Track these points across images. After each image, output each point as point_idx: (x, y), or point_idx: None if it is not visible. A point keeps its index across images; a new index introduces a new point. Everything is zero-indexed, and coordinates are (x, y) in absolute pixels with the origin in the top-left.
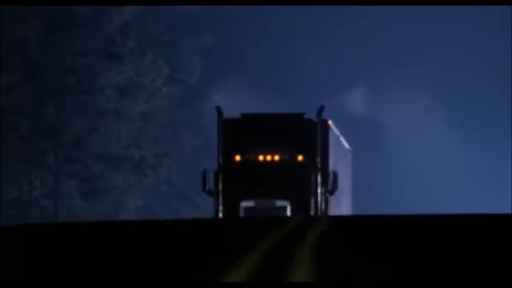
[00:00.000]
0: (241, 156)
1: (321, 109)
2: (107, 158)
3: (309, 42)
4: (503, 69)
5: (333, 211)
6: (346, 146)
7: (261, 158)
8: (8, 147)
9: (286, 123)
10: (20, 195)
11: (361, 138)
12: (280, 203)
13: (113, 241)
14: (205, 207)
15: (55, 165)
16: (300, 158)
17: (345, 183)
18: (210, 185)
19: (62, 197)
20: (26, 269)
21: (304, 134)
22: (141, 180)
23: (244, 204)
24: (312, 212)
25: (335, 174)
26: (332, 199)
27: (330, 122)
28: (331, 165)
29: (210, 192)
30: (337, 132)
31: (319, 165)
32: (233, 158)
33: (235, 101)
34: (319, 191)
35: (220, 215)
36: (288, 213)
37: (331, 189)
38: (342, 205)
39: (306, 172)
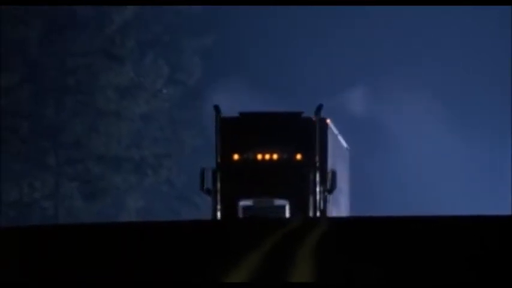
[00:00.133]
0: (240, 155)
1: (319, 108)
2: (107, 159)
3: (309, 42)
4: (503, 69)
5: (332, 210)
6: (344, 144)
7: (259, 157)
8: (8, 148)
9: (285, 122)
10: (21, 197)
11: (361, 138)
12: (278, 202)
13: (113, 242)
14: (206, 208)
15: (55, 166)
16: (298, 156)
17: (343, 182)
18: (208, 184)
19: (62, 198)
20: (27, 270)
21: (302, 133)
22: (142, 181)
23: (243, 203)
24: (311, 211)
25: (334, 173)
26: (331, 198)
27: (328, 120)
28: (330, 164)
29: (208, 192)
30: (336, 131)
31: (317, 164)
32: (231, 157)
33: (236, 101)
34: (317, 190)
35: (219, 214)
36: (287, 212)
37: (329, 188)
38: (340, 204)
39: (304, 171)
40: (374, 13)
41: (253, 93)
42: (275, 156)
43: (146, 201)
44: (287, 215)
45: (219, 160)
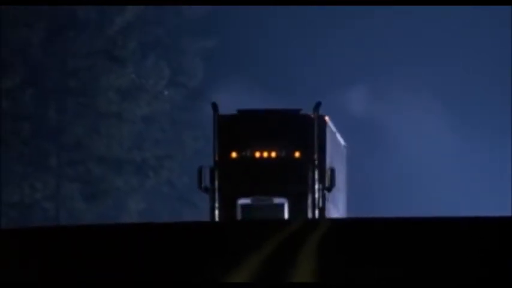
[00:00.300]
0: (238, 153)
1: (318, 105)
2: (108, 161)
3: (310, 43)
4: (504, 69)
5: (330, 208)
6: (342, 142)
7: (257, 154)
8: (10, 150)
9: (283, 120)
10: (22, 198)
11: (361, 138)
12: (277, 200)
13: (114, 243)
14: (207, 209)
15: (57, 167)
16: (297, 154)
17: (340, 180)
18: (206, 182)
19: (64, 200)
20: (28, 271)
21: (301, 130)
22: (143, 183)
23: (241, 201)
24: (310, 209)
25: (332, 171)
26: (329, 196)
27: (326, 118)
28: (328, 161)
29: (206, 190)
30: (334, 129)
31: (316, 162)
32: (229, 154)
33: (237, 103)
34: (316, 187)
35: (217, 212)
36: (286, 210)
37: (328, 185)
38: (338, 202)
39: (303, 169)
40: (374, 13)
41: (254, 94)
42: (273, 154)
43: (147, 202)
44: (286, 213)
45: (216, 158)
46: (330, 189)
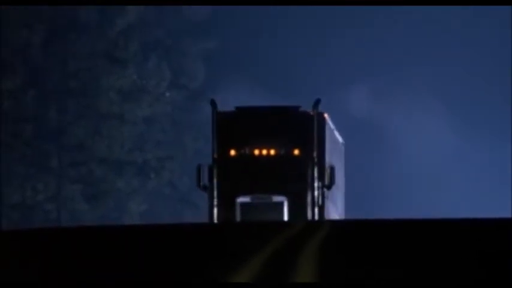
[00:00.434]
0: (236, 150)
1: (317, 102)
2: (110, 162)
3: (311, 44)
4: (504, 69)
5: (329, 206)
6: (340, 139)
7: (256, 152)
8: (12, 151)
9: (282, 117)
10: (24, 199)
11: (361, 138)
12: (276, 198)
13: (116, 245)
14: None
15: (58, 169)
16: (296, 152)
17: (339, 178)
18: (204, 180)
19: (65, 201)
20: (30, 273)
21: (300, 128)
22: (144, 184)
23: (240, 200)
24: (309, 207)
25: (332, 169)
26: (328, 194)
27: (325, 115)
28: (327, 159)
29: (204, 188)
30: (332, 126)
31: (315, 160)
32: (228, 152)
33: (238, 103)
34: (315, 185)
35: (215, 210)
36: (285, 208)
37: (328, 183)
38: (336, 200)
39: (302, 166)
40: (375, 14)
41: (255, 95)
42: (272, 152)
43: (149, 204)
44: (285, 211)
45: (215, 156)
46: (329, 187)
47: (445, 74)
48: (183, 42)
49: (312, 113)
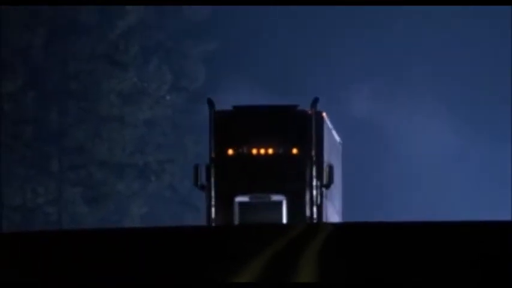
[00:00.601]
0: (234, 150)
1: (316, 101)
2: (110, 165)
3: (312, 45)
4: (504, 68)
5: (327, 205)
6: (338, 138)
7: (254, 151)
8: (12, 154)
9: (280, 116)
10: (24, 202)
11: (362, 139)
12: (275, 197)
13: (116, 248)
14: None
15: (59, 171)
16: (294, 151)
17: (337, 177)
18: (202, 180)
19: (66, 204)
20: (30, 275)
21: (298, 126)
22: (145, 187)
23: (239, 199)
24: (308, 207)
25: (331, 168)
26: (327, 193)
27: (324, 114)
28: (326, 158)
29: (202, 187)
30: (330, 125)
31: (314, 158)
32: (225, 151)
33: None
34: (314, 184)
35: (213, 210)
36: (284, 208)
37: (326, 182)
38: (334, 199)
39: (301, 166)
40: (375, 14)
41: (256, 96)
42: (271, 151)
43: (149, 206)
44: (284, 210)
45: (213, 155)
46: (328, 186)
47: (445, 74)
48: (184, 44)
49: (310, 112)
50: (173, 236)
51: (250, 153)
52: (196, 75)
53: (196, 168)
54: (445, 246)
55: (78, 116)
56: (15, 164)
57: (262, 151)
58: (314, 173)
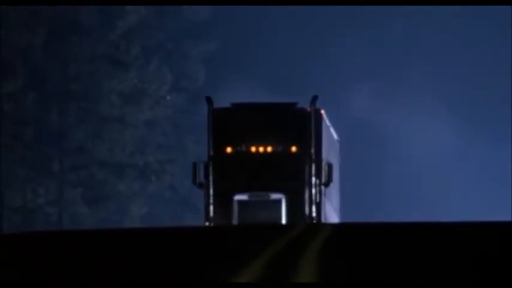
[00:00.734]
0: (233, 147)
1: (315, 98)
2: (111, 165)
3: (313, 46)
4: (504, 68)
5: (325, 203)
6: (335, 136)
7: (253, 149)
8: (12, 154)
9: (279, 113)
10: (25, 203)
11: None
12: (274, 196)
13: (117, 248)
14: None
15: (59, 172)
16: (293, 149)
17: (335, 174)
18: (200, 178)
19: (66, 204)
20: (31, 276)
21: (297, 124)
22: (145, 187)
23: (238, 197)
24: (307, 205)
25: (330, 166)
26: (326, 191)
27: (322, 111)
28: (324, 156)
29: (200, 185)
30: (328, 123)
31: (313, 156)
32: (224, 149)
33: None
34: (313, 182)
35: (211, 208)
36: (283, 206)
37: (326, 181)
38: (332, 197)
39: (300, 164)
40: (375, 14)
41: (257, 96)
42: (269, 149)
43: (150, 207)
44: (283, 209)
45: (211, 153)
46: (327, 184)
47: (445, 74)
48: (184, 44)
49: (309, 110)
50: (173, 236)
51: (249, 151)
52: (197, 76)
53: (194, 166)
54: (445, 246)
55: (79, 116)
56: (15, 164)
57: (261, 149)
58: (313, 171)
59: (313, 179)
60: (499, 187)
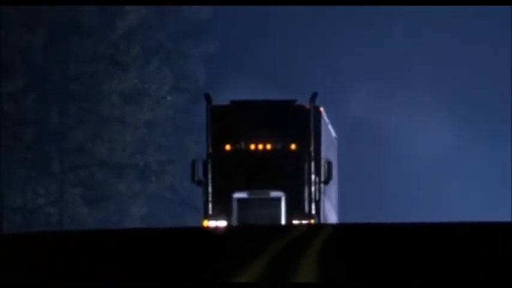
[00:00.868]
0: (232, 145)
1: (314, 95)
2: (111, 165)
3: (314, 46)
4: (504, 68)
5: (324, 201)
6: (333, 134)
7: (252, 146)
8: (13, 155)
9: (278, 110)
10: (25, 203)
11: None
12: (274, 193)
13: (117, 248)
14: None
15: (59, 172)
16: (293, 146)
17: (333, 172)
18: (199, 175)
19: (66, 205)
20: (31, 276)
21: (296, 122)
22: (145, 187)
23: (237, 195)
24: (306, 203)
25: (330, 164)
26: (325, 189)
27: (321, 108)
28: (323, 153)
29: (199, 183)
30: (327, 120)
31: (312, 154)
32: (223, 147)
33: None
34: (313, 180)
35: (210, 205)
36: (283, 204)
37: (325, 179)
38: (331, 194)
39: (299, 161)
40: (375, 14)
41: (257, 96)
42: (269, 146)
43: (150, 207)
44: (283, 207)
45: (210, 151)
46: (327, 182)
47: (445, 74)
48: (184, 44)
49: (308, 107)
50: (173, 236)
51: (248, 149)
52: (197, 76)
53: (193, 163)
54: (445, 247)
55: (79, 116)
56: (15, 164)
57: (260, 146)
58: (313, 169)
59: (313, 176)
60: (499, 187)
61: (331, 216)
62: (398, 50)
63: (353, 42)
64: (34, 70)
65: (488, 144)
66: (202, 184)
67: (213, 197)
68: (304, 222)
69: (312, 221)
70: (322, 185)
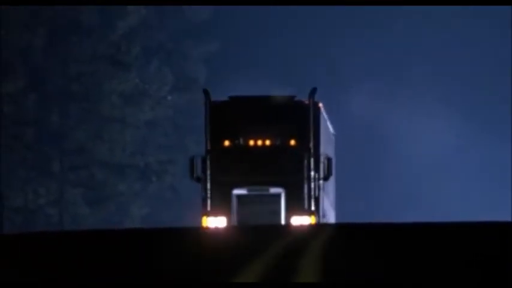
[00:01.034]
0: (231, 141)
1: (313, 91)
2: (111, 166)
3: (314, 46)
4: (504, 68)
5: (323, 197)
6: (332, 130)
7: (251, 142)
8: (13, 155)
9: (277, 106)
10: (25, 203)
11: (360, 137)
12: (273, 190)
13: (117, 249)
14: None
15: (60, 172)
16: (292, 142)
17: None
18: (198, 172)
19: (67, 205)
20: (32, 277)
21: (296, 117)
22: (146, 188)
23: (236, 191)
24: (306, 199)
25: (329, 160)
26: (324, 185)
27: (320, 104)
28: (322, 149)
29: (198, 180)
30: (326, 116)
31: (312, 150)
32: (222, 143)
33: None
34: (312, 176)
35: (209, 202)
36: (282, 200)
37: (325, 175)
38: (329, 190)
39: (299, 157)
40: (375, 14)
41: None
42: (268, 142)
43: (150, 207)
44: (282, 203)
45: (208, 147)
46: (327, 178)
47: (445, 74)
48: (185, 44)
49: (307, 102)
50: (173, 236)
51: (247, 145)
52: (197, 76)
53: (192, 160)
54: (445, 247)
55: (79, 116)
56: (16, 165)
57: (259, 142)
58: (312, 165)
59: (312, 173)
60: (499, 187)
61: (329, 213)
62: (398, 50)
63: (353, 42)
64: (34, 70)
65: (488, 144)
66: (201, 180)
67: (212, 193)
68: (303, 218)
69: (312, 218)
70: (321, 182)
